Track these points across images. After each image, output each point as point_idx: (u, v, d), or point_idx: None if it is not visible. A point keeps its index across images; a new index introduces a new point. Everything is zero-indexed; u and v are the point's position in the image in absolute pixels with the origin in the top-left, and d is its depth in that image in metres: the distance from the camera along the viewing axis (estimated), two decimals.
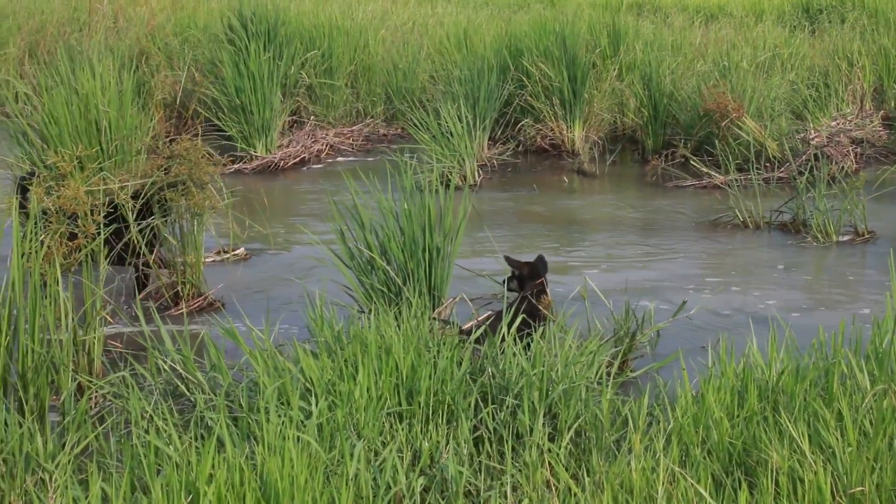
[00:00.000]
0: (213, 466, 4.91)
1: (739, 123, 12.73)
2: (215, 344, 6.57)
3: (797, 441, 5.20)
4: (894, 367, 5.99)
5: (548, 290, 7.87)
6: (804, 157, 12.59)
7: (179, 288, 8.91)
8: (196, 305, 8.86)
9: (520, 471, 5.37)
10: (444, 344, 6.39)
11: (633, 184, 13.24)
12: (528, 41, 14.33)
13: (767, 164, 12.67)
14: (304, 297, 7.58)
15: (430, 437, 5.71)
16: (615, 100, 14.60)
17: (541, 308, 7.65)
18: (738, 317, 8.60)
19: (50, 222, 7.82)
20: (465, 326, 7.51)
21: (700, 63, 14.61)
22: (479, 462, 5.59)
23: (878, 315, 6.57)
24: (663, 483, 5.00)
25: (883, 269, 9.51)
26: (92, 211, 7.87)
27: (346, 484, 5.08)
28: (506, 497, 5.19)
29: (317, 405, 5.63)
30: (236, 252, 10.17)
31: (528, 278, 7.89)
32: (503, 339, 6.64)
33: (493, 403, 6.02)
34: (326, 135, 14.86)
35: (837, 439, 5.19)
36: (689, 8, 19.94)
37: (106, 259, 8.02)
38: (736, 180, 12.01)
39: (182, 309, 8.67)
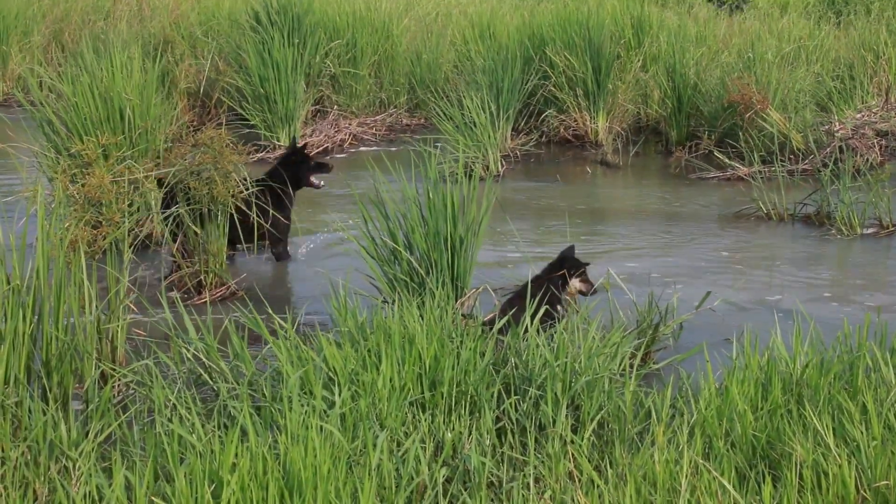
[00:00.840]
0: (236, 455, 4.92)
1: (764, 115, 12.68)
2: (238, 333, 6.58)
3: (821, 434, 5.19)
4: None
5: (570, 282, 7.88)
6: (829, 149, 12.54)
7: (203, 277, 8.93)
8: (219, 294, 8.88)
9: (542, 462, 5.37)
10: (467, 334, 6.38)
11: (657, 175, 13.21)
12: (552, 32, 14.30)
13: (792, 157, 12.62)
14: (327, 286, 7.58)
15: (453, 427, 5.71)
16: (639, 91, 14.58)
17: (564, 297, 7.68)
18: (761, 309, 8.57)
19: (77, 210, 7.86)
20: (487, 318, 7.50)
21: (724, 55, 14.55)
22: (502, 453, 5.59)
23: None
24: (687, 475, 4.99)
25: None
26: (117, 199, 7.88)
27: (369, 474, 5.08)
28: (528, 488, 5.18)
29: (340, 395, 5.63)
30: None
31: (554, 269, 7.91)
32: (526, 331, 6.63)
33: (515, 394, 6.02)
34: (350, 124, 14.87)
35: (862, 433, 5.17)
36: None
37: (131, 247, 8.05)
38: (760, 172, 11.97)
39: (205, 298, 8.70)
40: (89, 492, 5.09)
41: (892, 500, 4.85)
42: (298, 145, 10.05)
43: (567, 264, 7.91)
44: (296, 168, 9.84)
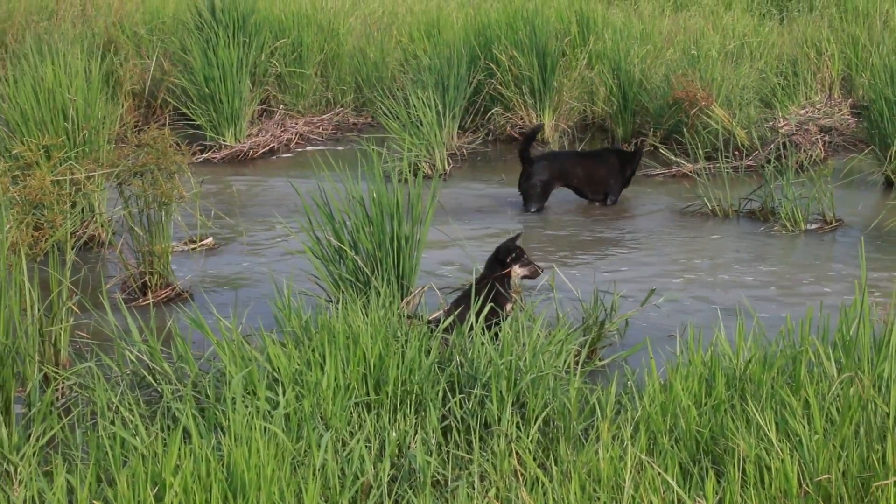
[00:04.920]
0: (179, 457, 4.90)
1: (708, 112, 12.73)
2: (182, 334, 6.55)
3: (764, 429, 5.21)
4: (861, 354, 6.00)
5: (512, 270, 7.86)
6: (773, 145, 12.60)
7: (147, 278, 8.87)
8: (164, 296, 8.82)
9: (488, 460, 5.36)
10: (412, 333, 6.37)
11: None
12: (498, 29, 14.30)
13: (736, 153, 12.66)
14: (272, 286, 7.55)
15: (398, 426, 5.70)
16: (585, 88, 14.57)
17: (509, 295, 7.66)
18: (706, 305, 8.61)
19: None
20: (432, 316, 7.50)
21: (669, 51, 14.59)
22: (447, 452, 5.59)
23: (845, 303, 6.59)
24: (630, 471, 5.00)
25: (850, 257, 9.56)
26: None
27: (313, 474, 5.07)
28: (473, 487, 5.18)
29: (284, 395, 5.61)
30: (204, 242, 10.12)
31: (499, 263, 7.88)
32: (471, 329, 6.63)
33: (461, 393, 6.02)
34: (296, 124, 14.78)
35: (804, 427, 5.19)
36: None
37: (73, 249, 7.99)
38: (704, 169, 12.01)
39: (149, 299, 8.64)
40: (30, 496, 5.04)
41: (833, 494, 4.88)
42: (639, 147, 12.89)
43: (502, 254, 7.89)
44: (633, 157, 12.11)
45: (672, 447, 5.34)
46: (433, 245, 9.80)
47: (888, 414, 5.27)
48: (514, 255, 7.87)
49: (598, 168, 11.91)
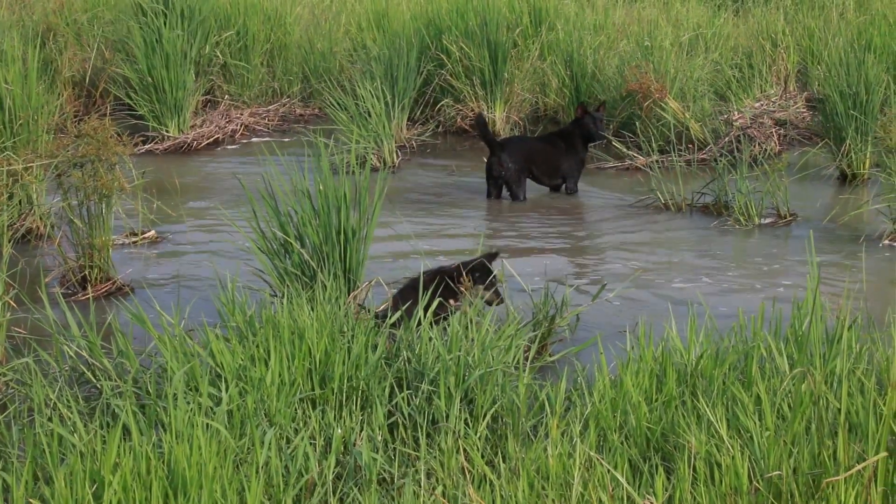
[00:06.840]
0: (118, 455, 4.80)
1: (662, 104, 12.68)
2: (123, 329, 6.43)
3: (715, 425, 5.15)
4: (813, 349, 5.97)
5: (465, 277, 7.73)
6: (727, 138, 12.58)
7: (87, 272, 8.71)
8: (104, 290, 8.67)
9: (435, 457, 5.30)
10: (358, 328, 6.29)
11: None
12: (448, 19, 14.19)
13: (690, 146, 12.61)
14: (215, 280, 7.45)
15: (344, 423, 5.62)
16: (537, 80, 14.49)
17: (458, 289, 7.56)
18: (658, 300, 8.55)
19: None
20: (378, 309, 7.38)
21: (623, 43, 14.51)
22: (394, 449, 5.52)
23: (798, 297, 6.54)
24: (580, 469, 4.93)
25: (804, 252, 9.53)
26: None
27: (256, 472, 4.99)
28: (420, 484, 5.10)
29: (227, 391, 5.52)
30: (146, 235, 9.98)
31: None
32: (419, 324, 6.55)
33: (408, 389, 5.94)
34: (241, 115, 14.61)
35: (755, 423, 5.15)
36: None
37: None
38: (658, 162, 11.95)
39: (89, 293, 8.49)
40: None
41: (784, 491, 4.82)
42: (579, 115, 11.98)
43: (476, 269, 7.73)
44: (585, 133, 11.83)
45: (622, 444, 5.29)
46: (381, 238, 9.71)
47: (839, 410, 5.21)
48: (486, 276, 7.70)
49: (556, 154, 11.82)
